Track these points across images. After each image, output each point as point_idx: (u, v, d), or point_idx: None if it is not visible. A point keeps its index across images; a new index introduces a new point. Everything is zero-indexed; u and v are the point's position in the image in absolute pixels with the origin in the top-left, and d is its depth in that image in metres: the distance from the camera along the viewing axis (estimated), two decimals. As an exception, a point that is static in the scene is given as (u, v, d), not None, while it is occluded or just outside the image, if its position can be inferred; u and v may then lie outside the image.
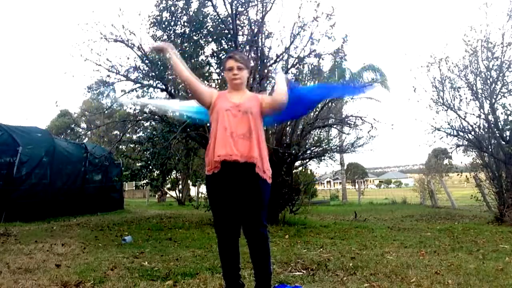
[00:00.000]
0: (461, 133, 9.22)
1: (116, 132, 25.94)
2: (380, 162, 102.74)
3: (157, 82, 8.20)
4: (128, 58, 7.94)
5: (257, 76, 7.46)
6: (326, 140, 9.60)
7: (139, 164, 9.75)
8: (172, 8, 7.68)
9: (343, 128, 10.16)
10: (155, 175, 10.32)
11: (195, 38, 7.77)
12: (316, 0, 7.34)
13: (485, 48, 8.49)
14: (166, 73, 7.78)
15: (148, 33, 7.95)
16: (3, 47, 69.83)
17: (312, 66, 8.13)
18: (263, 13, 7.58)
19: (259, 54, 7.73)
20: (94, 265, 3.81)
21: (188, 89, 2.90)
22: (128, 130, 12.81)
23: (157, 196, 23.25)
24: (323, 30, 7.57)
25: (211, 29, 7.71)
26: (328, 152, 10.02)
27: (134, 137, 12.94)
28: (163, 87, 8.10)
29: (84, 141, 20.82)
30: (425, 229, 6.99)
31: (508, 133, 8.52)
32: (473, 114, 8.89)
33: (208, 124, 2.79)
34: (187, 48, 7.69)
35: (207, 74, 8.14)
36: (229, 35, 7.58)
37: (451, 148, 9.74)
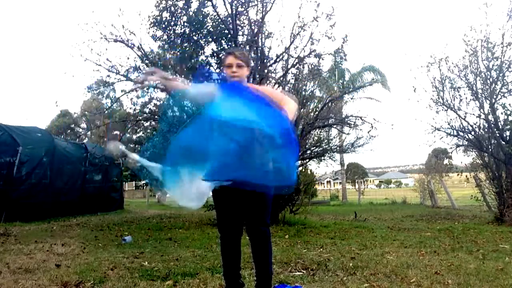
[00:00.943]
0: (461, 133, 9.22)
1: (116, 132, 25.92)
2: (380, 162, 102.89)
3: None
4: (128, 58, 7.95)
5: (257, 76, 7.46)
6: (326, 140, 9.59)
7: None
8: (172, 8, 7.68)
9: (343, 128, 10.15)
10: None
11: (195, 38, 7.77)
12: (316, 0, 7.36)
13: (485, 48, 8.48)
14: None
15: (148, 33, 7.95)
16: (3, 47, 69.87)
17: (312, 66, 8.13)
18: (263, 13, 7.59)
19: (259, 54, 7.73)
20: (94, 265, 3.81)
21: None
22: (128, 130, 12.81)
23: (157, 196, 23.24)
24: (323, 30, 7.59)
25: (211, 29, 7.71)
26: (328, 152, 10.00)
27: (134, 137, 12.95)
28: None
29: (84, 141, 20.80)
30: (425, 229, 6.99)
31: (508, 133, 8.52)
32: (473, 114, 8.89)
33: None
34: (187, 48, 7.69)
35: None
36: (229, 35, 7.58)
37: (451, 148, 9.75)
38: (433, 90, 9.06)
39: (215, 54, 7.96)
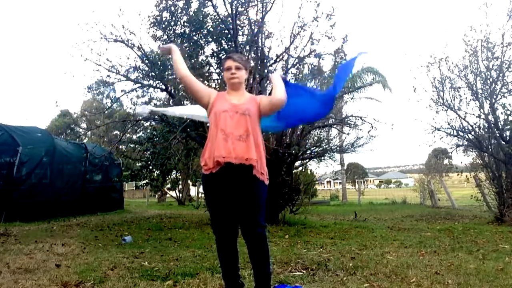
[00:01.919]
0: (461, 133, 9.22)
1: (116, 132, 25.93)
2: (380, 162, 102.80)
3: (157, 82, 8.21)
4: (128, 58, 7.95)
5: (257, 76, 7.46)
6: (326, 140, 9.60)
7: (139, 164, 9.75)
8: (172, 8, 7.68)
9: (343, 128, 10.15)
10: (155, 175, 10.33)
11: (195, 38, 7.77)
12: (316, 0, 7.35)
13: (485, 48, 8.48)
14: (166, 73, 7.78)
15: (148, 33, 7.96)
16: (3, 47, 69.87)
17: (312, 66, 8.13)
18: (263, 13, 7.58)
19: (259, 54, 7.73)
20: (94, 265, 3.81)
21: (186, 87, 2.94)
22: (128, 130, 12.82)
23: (157, 196, 23.25)
24: (323, 30, 7.58)
25: (211, 29, 7.71)
26: (328, 152, 10.01)
27: (134, 137, 12.95)
28: (163, 87, 8.10)
29: (84, 141, 20.81)
30: (425, 229, 6.99)
31: (508, 133, 8.52)
32: (473, 114, 8.89)
33: (208, 124, 2.80)
34: (187, 48, 7.68)
35: (207, 74, 8.14)
36: (229, 35, 7.58)
37: (451, 148, 9.75)
38: (433, 90, 9.08)
39: (215, 54, 7.96)
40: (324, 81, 8.43)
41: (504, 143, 8.46)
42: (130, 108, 9.43)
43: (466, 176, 10.12)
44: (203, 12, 7.61)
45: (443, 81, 8.98)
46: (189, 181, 19.92)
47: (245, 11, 7.79)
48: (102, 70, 7.80)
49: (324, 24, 7.52)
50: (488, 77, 8.55)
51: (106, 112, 15.91)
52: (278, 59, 7.90)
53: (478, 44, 8.50)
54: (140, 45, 7.70)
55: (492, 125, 8.57)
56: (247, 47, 7.66)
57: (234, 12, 7.46)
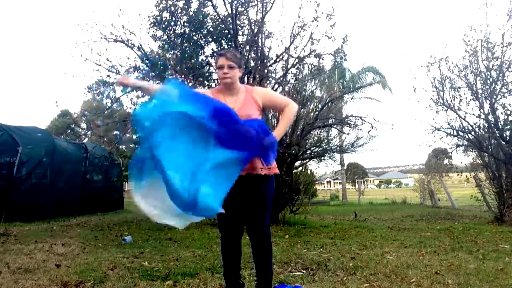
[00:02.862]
0: (461, 133, 9.22)
1: (116, 132, 25.92)
2: (380, 162, 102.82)
3: (157, 82, 8.20)
4: (128, 58, 7.95)
5: (257, 76, 7.46)
6: (326, 140, 9.59)
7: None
8: (172, 8, 7.67)
9: (343, 128, 10.15)
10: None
11: (195, 38, 7.77)
12: (316, 0, 7.35)
13: (485, 48, 8.48)
14: (166, 73, 7.78)
15: (148, 33, 7.95)
16: (3, 47, 69.86)
17: (312, 66, 8.13)
18: (263, 13, 7.59)
19: (259, 54, 7.73)
20: (94, 265, 3.81)
21: None
22: (128, 130, 12.81)
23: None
24: (323, 30, 7.58)
25: (211, 29, 7.71)
26: (328, 152, 10.01)
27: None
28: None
29: (84, 141, 20.79)
30: (425, 229, 6.98)
31: (508, 133, 8.52)
32: (473, 114, 8.89)
33: None
34: (187, 48, 7.69)
35: (207, 74, 8.14)
36: (229, 35, 7.58)
37: (451, 148, 9.74)
38: (433, 90, 9.07)
39: (215, 54, 7.96)
40: (324, 81, 8.43)
41: (504, 143, 8.46)
42: (130, 108, 9.40)
43: (466, 176, 10.12)
44: (203, 12, 7.61)
45: (443, 81, 8.98)
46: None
47: (245, 11, 7.79)
48: (102, 70, 7.80)
49: (324, 24, 7.53)
50: (488, 77, 8.55)
51: (106, 112, 15.90)
52: (278, 59, 7.91)
53: (478, 44, 8.51)
54: (140, 45, 7.71)
55: (492, 125, 8.57)
56: (247, 47, 7.66)
57: (234, 12, 7.47)
